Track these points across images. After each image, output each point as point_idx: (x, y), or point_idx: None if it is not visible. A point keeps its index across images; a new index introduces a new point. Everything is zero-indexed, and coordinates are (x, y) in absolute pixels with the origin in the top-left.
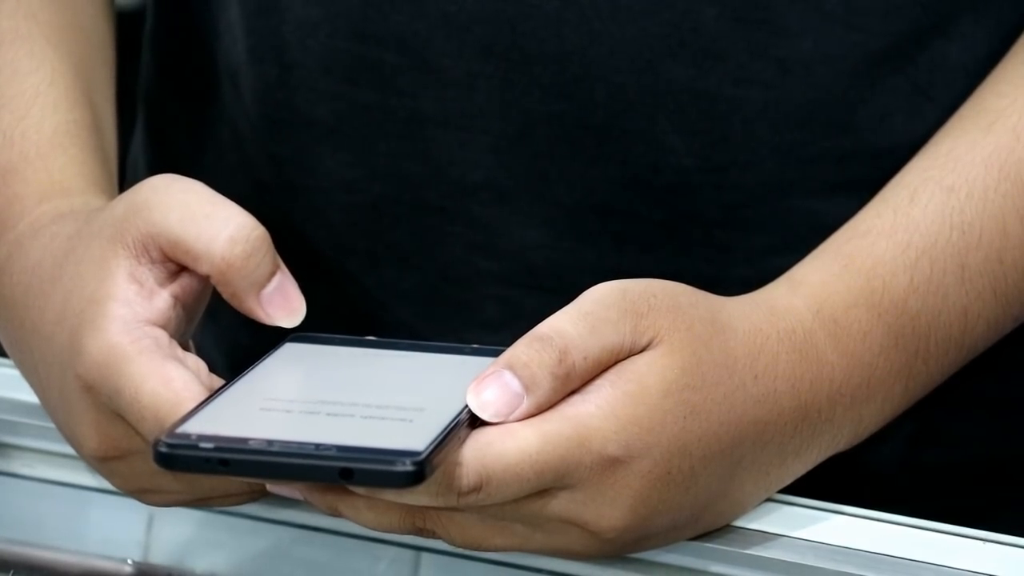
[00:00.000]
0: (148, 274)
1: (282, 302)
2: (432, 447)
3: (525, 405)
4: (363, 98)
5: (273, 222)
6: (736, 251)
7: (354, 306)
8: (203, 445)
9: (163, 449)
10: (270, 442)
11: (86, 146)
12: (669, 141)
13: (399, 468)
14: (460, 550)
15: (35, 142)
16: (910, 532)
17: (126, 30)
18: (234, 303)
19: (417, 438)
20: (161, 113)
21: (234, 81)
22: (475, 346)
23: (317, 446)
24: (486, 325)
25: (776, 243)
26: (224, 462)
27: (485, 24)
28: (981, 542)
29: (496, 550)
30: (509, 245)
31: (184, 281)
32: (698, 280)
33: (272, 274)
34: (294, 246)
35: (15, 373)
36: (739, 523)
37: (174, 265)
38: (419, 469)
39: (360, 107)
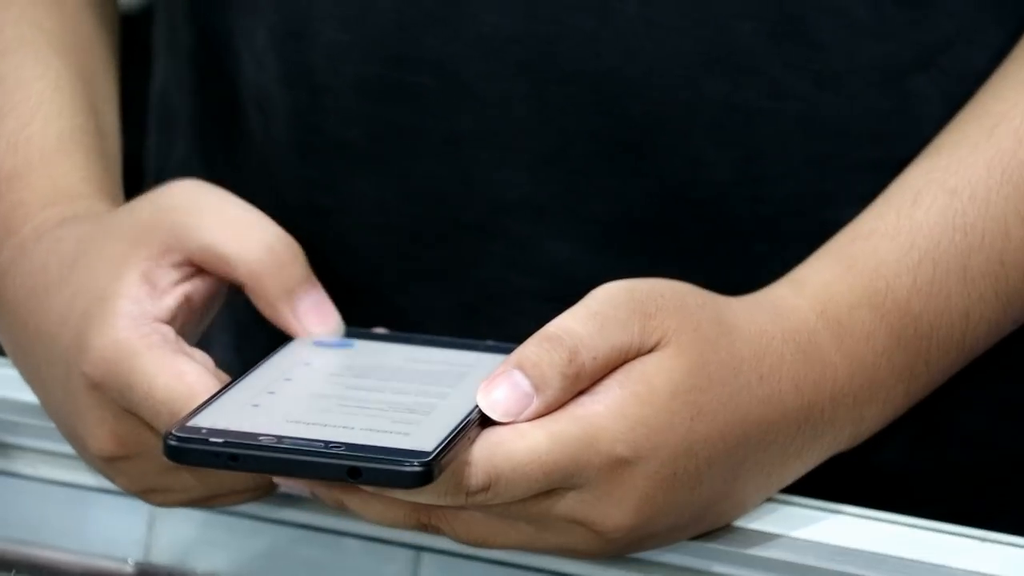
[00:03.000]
0: (163, 276)
1: (318, 314)
2: (441, 447)
3: (535, 405)
4: (398, 120)
5: (304, 245)
6: (773, 263)
7: (389, 327)
8: (213, 440)
9: (173, 443)
10: (280, 438)
11: (90, 152)
12: (705, 155)
13: (407, 468)
14: (461, 549)
15: (40, 147)
16: (911, 532)
17: (129, 33)
18: (268, 313)
19: (426, 438)
20: (187, 137)
21: (261, 108)
22: (488, 342)
23: (326, 444)
24: (522, 342)
25: (811, 255)
26: (234, 457)
27: (520, 44)
28: (982, 542)
29: (501, 548)
30: (546, 262)
31: (197, 283)
32: (734, 293)
33: (308, 287)
34: (326, 268)
35: (17, 374)
36: (740, 523)
37: (190, 268)
38: (427, 470)
39: (394, 129)
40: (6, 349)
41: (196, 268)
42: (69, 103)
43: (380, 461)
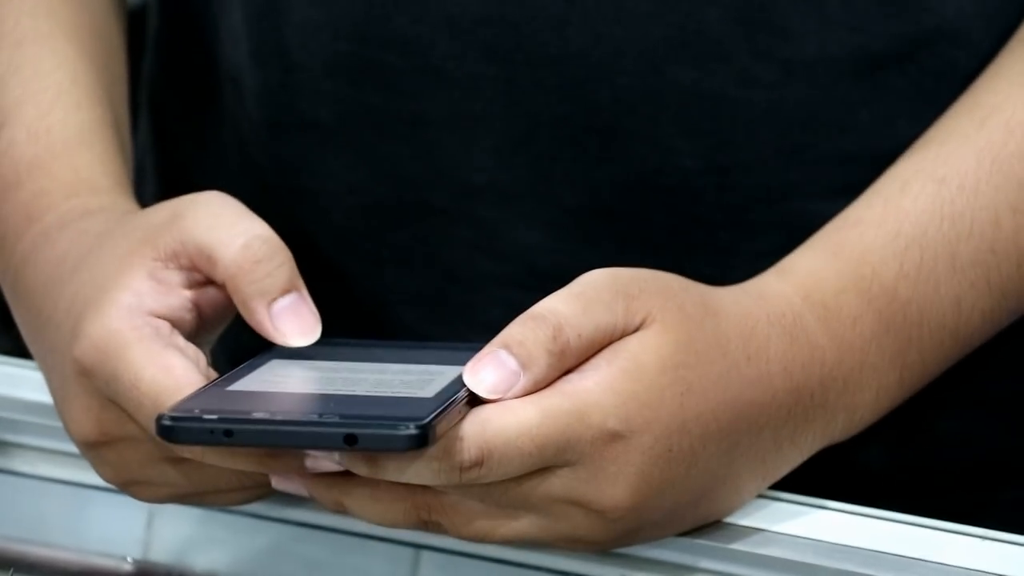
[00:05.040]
0: (171, 276)
1: (293, 320)
2: (435, 414)
3: (522, 382)
4: (366, 100)
5: (276, 225)
6: (739, 253)
7: (357, 308)
8: (207, 417)
9: (166, 422)
10: (274, 412)
11: (109, 144)
12: (673, 143)
13: (403, 432)
14: (460, 547)
15: (60, 138)
16: (904, 528)
17: (129, 29)
18: (244, 314)
19: (420, 408)
20: (165, 116)
21: (236, 85)
22: (467, 343)
23: (321, 415)
24: (489, 326)
25: (779, 245)
26: (228, 432)
27: (489, 26)
28: (977, 539)
29: (501, 541)
30: (512, 247)
31: (208, 291)
32: (700, 282)
33: (287, 290)
34: (299, 248)
35: (17, 371)
36: (732, 519)
37: (201, 276)
38: (423, 432)
39: (363, 109)
40: (24, 335)
41: (205, 277)
42: (87, 95)
43: (376, 426)
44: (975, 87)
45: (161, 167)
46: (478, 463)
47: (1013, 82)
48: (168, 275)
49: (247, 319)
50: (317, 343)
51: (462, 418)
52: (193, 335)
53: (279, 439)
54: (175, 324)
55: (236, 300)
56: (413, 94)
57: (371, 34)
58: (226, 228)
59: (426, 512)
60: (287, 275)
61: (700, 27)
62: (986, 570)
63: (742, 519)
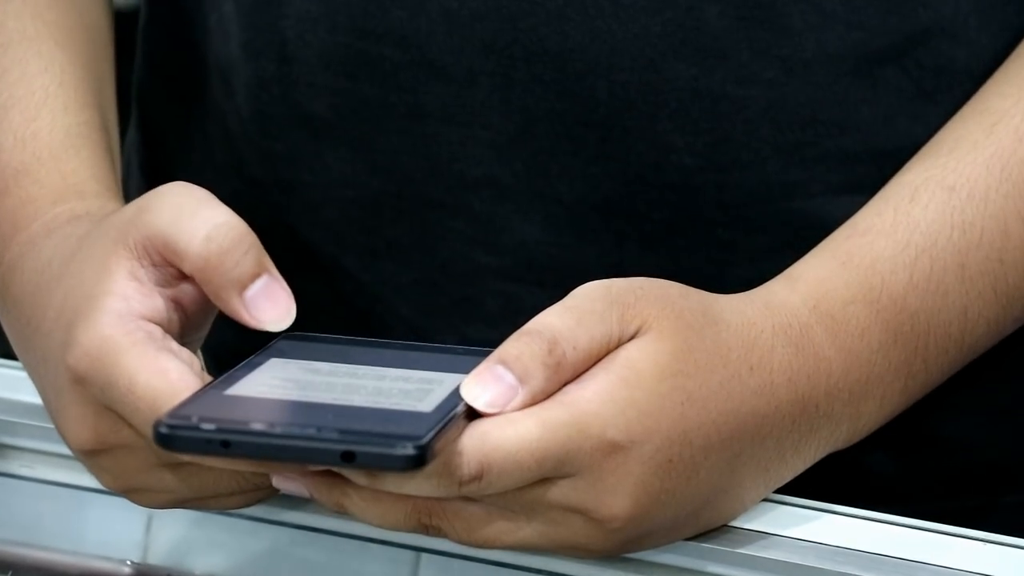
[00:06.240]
0: (149, 275)
1: (268, 304)
2: (434, 433)
3: (520, 396)
4: (363, 93)
5: (268, 219)
6: (738, 251)
7: (353, 302)
8: (204, 426)
9: (163, 430)
10: (272, 424)
11: (97, 148)
12: (671, 140)
13: (400, 451)
14: (460, 550)
15: (47, 143)
16: (908, 532)
17: (122, 30)
18: (219, 304)
19: (418, 424)
20: (152, 112)
21: (225, 78)
22: (466, 347)
23: (319, 428)
24: (486, 320)
25: (778, 243)
26: (225, 443)
27: (486, 20)
28: (979, 542)
29: (503, 547)
30: (509, 240)
31: (186, 287)
32: (699, 279)
33: (256, 275)
34: (290, 243)
35: (15, 374)
36: (736, 523)
37: (175, 270)
38: (421, 453)
39: (360, 102)
40: (13, 345)
41: (179, 271)
42: (74, 99)
43: (373, 444)
44: (984, 92)
45: (147, 164)
46: (477, 477)
47: (1022, 87)
48: (144, 273)
49: (222, 309)
50: (316, 341)
51: (461, 432)
52: (181, 335)
53: (276, 453)
54: (164, 326)
55: (208, 292)
56: (410, 87)
57: (368, 27)
58: (187, 220)
59: (427, 516)
60: (255, 259)
61: (699, 24)
62: (988, 573)
63: (747, 523)
